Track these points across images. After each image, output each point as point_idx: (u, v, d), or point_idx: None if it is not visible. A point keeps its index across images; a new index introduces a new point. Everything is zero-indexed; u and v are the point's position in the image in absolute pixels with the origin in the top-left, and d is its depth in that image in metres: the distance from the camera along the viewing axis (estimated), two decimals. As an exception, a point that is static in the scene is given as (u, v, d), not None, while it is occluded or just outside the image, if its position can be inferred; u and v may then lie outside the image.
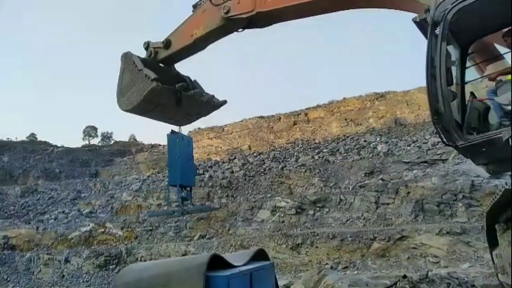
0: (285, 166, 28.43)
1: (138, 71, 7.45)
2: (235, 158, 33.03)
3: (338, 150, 29.05)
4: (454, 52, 5.70)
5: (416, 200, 20.55)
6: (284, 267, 19.39)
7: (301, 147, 31.66)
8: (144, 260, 20.39)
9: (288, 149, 32.33)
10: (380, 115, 32.70)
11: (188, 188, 8.81)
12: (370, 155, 27.31)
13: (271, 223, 22.44)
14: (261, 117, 39.02)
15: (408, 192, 21.23)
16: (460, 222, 17.92)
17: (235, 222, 22.50)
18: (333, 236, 19.78)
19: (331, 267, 17.74)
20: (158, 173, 35.55)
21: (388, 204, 21.89)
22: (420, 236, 18.10)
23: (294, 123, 36.78)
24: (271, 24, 7.27)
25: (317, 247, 19.45)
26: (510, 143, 3.91)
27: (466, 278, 6.87)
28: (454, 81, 5.54)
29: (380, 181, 23.94)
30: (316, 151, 30.04)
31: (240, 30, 7.24)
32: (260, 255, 2.65)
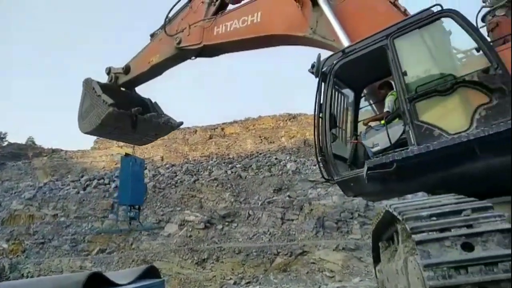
0: (198, 179, 28.15)
1: (97, 97, 7.94)
2: (145, 168, 31.76)
3: (250, 166, 29.67)
4: (350, 95, 6.63)
5: (318, 217, 21.82)
6: (188, 283, 18.99)
7: (215, 161, 31.67)
8: (31, 277, 18.35)
9: (202, 163, 32.10)
10: (292, 135, 34.34)
11: (137, 207, 9.44)
12: (280, 172, 28.39)
13: (178, 238, 21.90)
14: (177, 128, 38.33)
15: (311, 209, 22.45)
16: (355, 239, 19.39)
17: (139, 236, 21.48)
18: (239, 251, 19.97)
19: (235, 283, 17.85)
20: (57, 180, 32.53)
21: (293, 220, 22.88)
22: (319, 252, 19.14)
23: (210, 137, 36.79)
24: (218, 55, 7.99)
25: (222, 262, 19.43)
26: (366, 180, 4.74)
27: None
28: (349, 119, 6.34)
29: (287, 197, 24.97)
30: (230, 166, 30.31)
31: (193, 58, 7.89)
32: (151, 272, 2.55)
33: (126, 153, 9.08)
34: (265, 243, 21.17)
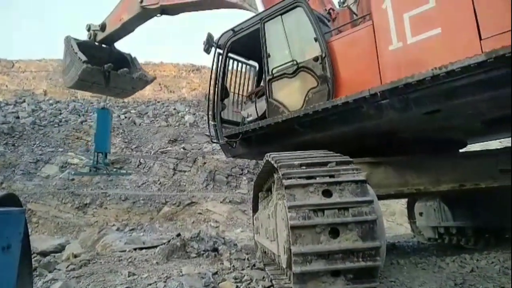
0: (86, 120, 26.08)
1: (74, 54, 8.57)
2: (24, 101, 28.12)
3: (146, 113, 28.55)
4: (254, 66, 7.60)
5: (209, 171, 22.36)
6: (66, 227, 18.02)
7: (107, 104, 29.47)
8: None
9: (92, 103, 29.66)
10: (193, 87, 33.76)
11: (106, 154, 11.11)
12: (177, 123, 27.94)
13: (58, 180, 20.36)
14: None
15: (204, 163, 22.84)
16: (242, 193, 20.48)
17: (12, 175, 19.40)
18: (125, 198, 19.53)
19: (118, 229, 17.51)
20: None
21: (185, 171, 23.05)
22: (207, 203, 19.82)
23: (104, 77, 33.93)
24: (178, 13, 8.53)
25: (106, 208, 18.83)
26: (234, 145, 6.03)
27: (231, 238, 8.03)
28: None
29: (182, 149, 24.89)
30: (124, 110, 28.70)
31: (158, 15, 8.31)
32: (10, 200, 2.36)
33: (103, 107, 11.96)
34: (154, 192, 21.02)
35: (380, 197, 5.55)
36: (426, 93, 3.81)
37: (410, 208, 8.03)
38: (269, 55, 5.46)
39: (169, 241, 5.89)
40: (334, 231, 2.67)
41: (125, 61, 9.65)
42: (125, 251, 6.13)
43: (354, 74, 4.60)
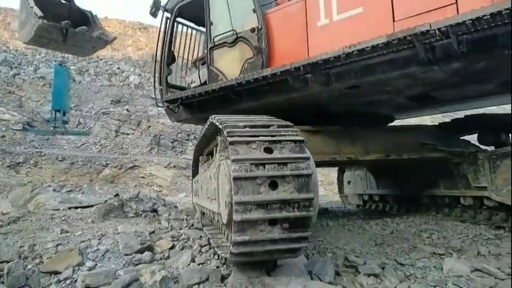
0: (19, 74, 24.06)
1: (30, 8, 8.15)
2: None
3: (87, 70, 26.93)
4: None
5: (154, 135, 21.91)
6: (-5, 186, 16.92)
7: (43, 57, 27.37)
8: None
9: (26, 55, 27.29)
10: (140, 46, 32.19)
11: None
12: (121, 84, 26.74)
13: (-13, 137, 18.91)
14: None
15: (149, 126, 22.29)
16: (187, 159, 20.37)
17: None
18: (63, 158, 18.64)
19: (54, 190, 16.79)
20: None
21: (128, 134, 22.38)
22: (150, 167, 19.52)
23: (41, 27, 31.15)
24: None
25: (41, 168, 17.90)
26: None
27: (171, 201, 8.07)
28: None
29: (125, 111, 23.99)
30: (62, 65, 26.79)
31: None
32: None
33: (59, 63, 10.38)
34: (94, 153, 20.24)
35: (316, 164, 6.03)
36: (344, 69, 4.10)
37: (340, 181, 8.65)
38: (211, 23, 5.54)
39: (106, 201, 5.81)
40: (273, 183, 2.87)
41: (86, 18, 9.21)
42: (58, 209, 5.97)
43: (287, 48, 4.77)
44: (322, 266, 3.69)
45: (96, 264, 3.70)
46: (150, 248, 4.18)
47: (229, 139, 3.01)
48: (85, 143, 21.02)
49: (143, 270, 3.65)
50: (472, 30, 3.22)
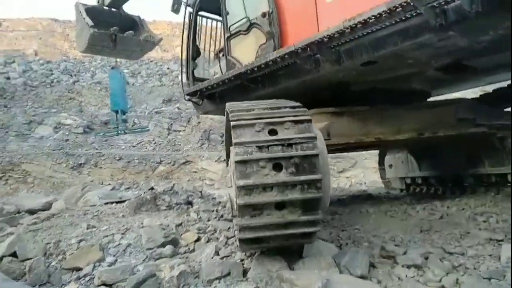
0: (78, 81, 25.69)
1: (83, 19, 8.79)
2: (13, 62, 27.53)
3: (139, 73, 28.06)
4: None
5: (204, 130, 22.26)
6: (62, 186, 18.18)
7: (99, 63, 28.98)
8: None
9: (84, 63, 29.10)
10: (187, 45, 32.83)
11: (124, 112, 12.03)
12: (171, 83, 27.49)
13: (52, 141, 20.35)
14: (56, 20, 33.27)
15: (199, 122, 22.70)
16: (235, 152, 20.42)
17: (5, 136, 19.36)
18: (120, 158, 19.58)
19: (113, 188, 17.66)
20: None
21: (180, 131, 22.97)
22: (201, 162, 19.87)
23: (96, 36, 33.02)
24: None
25: (101, 167, 18.94)
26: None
27: (210, 193, 7.98)
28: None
29: (176, 109, 24.64)
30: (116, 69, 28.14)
31: None
32: None
33: (112, 67, 12.51)
34: (148, 151, 21.04)
35: (343, 148, 5.63)
36: (353, 45, 3.79)
37: (381, 156, 8.20)
38: (227, 13, 5.48)
39: (141, 194, 5.82)
40: (277, 165, 2.77)
41: (135, 23, 9.84)
42: (95, 205, 6.09)
43: (299, 29, 4.53)
44: (353, 257, 3.30)
45: (116, 260, 3.65)
46: (174, 242, 4.06)
47: (232, 123, 2.91)
48: (140, 142, 21.94)
49: (163, 264, 3.53)
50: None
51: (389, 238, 3.90)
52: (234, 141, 2.81)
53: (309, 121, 2.94)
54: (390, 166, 7.63)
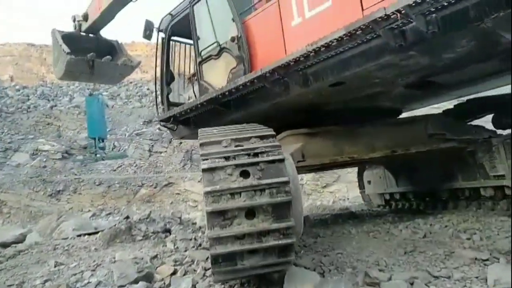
0: (56, 105, 25.23)
1: (59, 46, 8.77)
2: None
3: (119, 95, 27.78)
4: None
5: (186, 151, 22.01)
6: (40, 215, 17.54)
7: (77, 87, 28.55)
8: None
9: (61, 87, 28.65)
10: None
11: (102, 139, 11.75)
12: (151, 104, 27.23)
13: (29, 168, 19.76)
14: (32, 45, 32.83)
15: (181, 143, 22.43)
16: (219, 171, 20.18)
17: (-21, 166, 18.75)
18: (100, 183, 19.12)
19: (93, 214, 17.15)
20: None
21: (161, 152, 22.67)
22: (184, 183, 19.54)
23: (74, 59, 32.71)
24: None
25: (80, 194, 18.43)
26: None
27: (190, 217, 7.77)
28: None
29: (157, 130, 24.35)
30: (95, 92, 27.78)
31: (134, 0, 8.25)
32: None
33: (90, 93, 13.31)
34: (130, 175, 20.61)
35: (317, 168, 5.53)
36: (319, 67, 3.85)
37: (360, 177, 8.16)
38: (198, 38, 5.48)
39: (115, 225, 5.59)
40: (244, 172, 2.80)
41: (112, 48, 9.81)
42: (67, 238, 5.82)
43: (267, 53, 4.56)
44: (337, 286, 3.14)
45: (84, 301, 3.40)
46: (148, 276, 3.84)
47: (200, 141, 3.00)
48: (121, 165, 21.49)
49: (135, 304, 3.31)
50: (437, 8, 2.87)
51: (373, 262, 3.77)
52: (201, 153, 2.84)
53: (274, 136, 3.02)
54: (369, 182, 7.62)
